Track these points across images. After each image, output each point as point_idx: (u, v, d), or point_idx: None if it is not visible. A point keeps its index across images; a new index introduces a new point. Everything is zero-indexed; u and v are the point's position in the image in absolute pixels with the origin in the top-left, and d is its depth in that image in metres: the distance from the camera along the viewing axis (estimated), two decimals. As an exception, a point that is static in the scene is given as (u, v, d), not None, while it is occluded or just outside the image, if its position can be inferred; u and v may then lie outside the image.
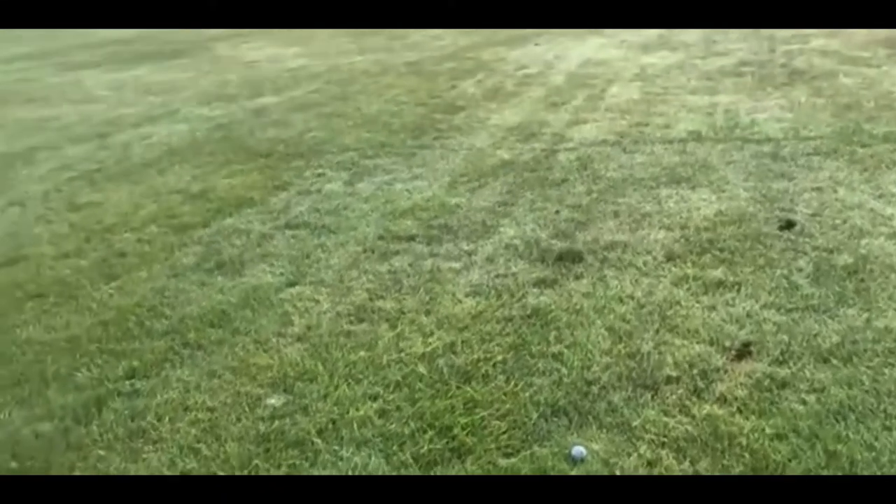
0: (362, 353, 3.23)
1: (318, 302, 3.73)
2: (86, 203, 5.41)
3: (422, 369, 3.10)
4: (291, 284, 3.94)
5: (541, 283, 3.81)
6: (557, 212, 4.75)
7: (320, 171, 5.89)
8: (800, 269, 3.76)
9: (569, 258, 4.08)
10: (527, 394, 2.90)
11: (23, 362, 3.36)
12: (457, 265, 4.07)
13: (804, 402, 2.77)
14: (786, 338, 3.17)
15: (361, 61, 11.12)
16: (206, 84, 10.34)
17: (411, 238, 4.46)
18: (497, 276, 3.92)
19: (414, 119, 7.35)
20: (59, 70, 13.43)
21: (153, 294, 3.89)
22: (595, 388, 2.91)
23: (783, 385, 2.88)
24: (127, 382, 3.10)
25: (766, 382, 2.89)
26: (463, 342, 3.30)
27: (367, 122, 7.31)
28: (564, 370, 3.04)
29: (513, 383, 2.97)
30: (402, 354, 3.22)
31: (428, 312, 3.58)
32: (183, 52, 14.75)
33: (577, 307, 3.53)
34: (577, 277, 3.84)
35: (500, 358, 3.16)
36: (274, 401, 2.93)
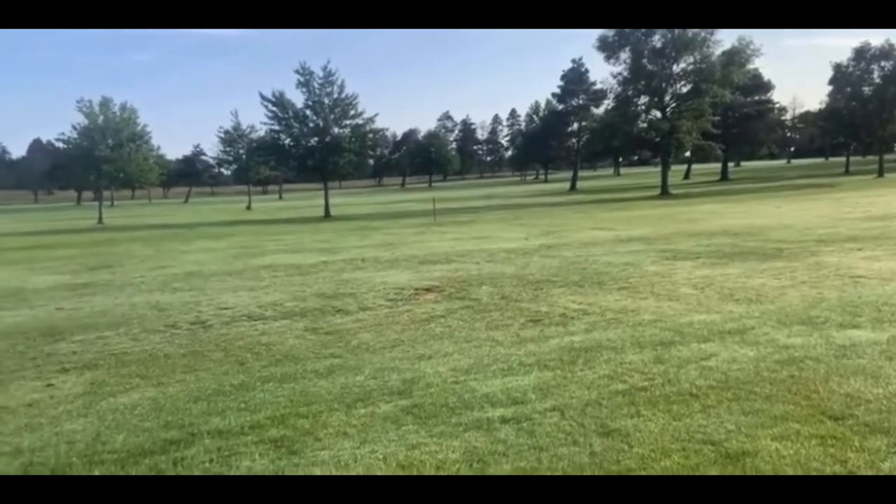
0: None
1: None
2: (614, 429, 5.07)
3: None
4: None
5: None
6: None
7: (908, 465, 4.36)
8: None
9: None
10: None
11: None
12: None
13: None
14: None
15: None
16: (794, 298, 9.35)
17: None
18: None
19: None
20: (659, 258, 14.24)
21: None
22: None
23: None
24: None
25: None
26: None
27: None
28: None
29: None
30: None
31: None
32: (784, 252, 14.05)
33: None
34: None
35: None
36: None
